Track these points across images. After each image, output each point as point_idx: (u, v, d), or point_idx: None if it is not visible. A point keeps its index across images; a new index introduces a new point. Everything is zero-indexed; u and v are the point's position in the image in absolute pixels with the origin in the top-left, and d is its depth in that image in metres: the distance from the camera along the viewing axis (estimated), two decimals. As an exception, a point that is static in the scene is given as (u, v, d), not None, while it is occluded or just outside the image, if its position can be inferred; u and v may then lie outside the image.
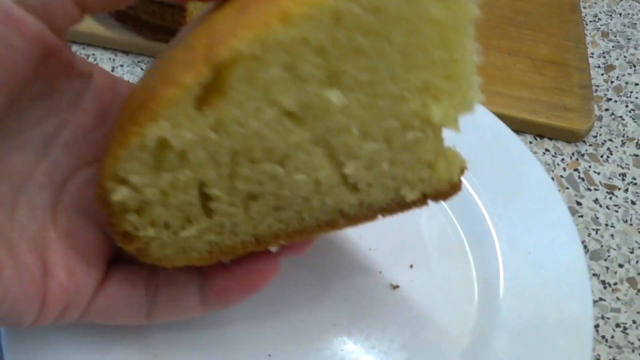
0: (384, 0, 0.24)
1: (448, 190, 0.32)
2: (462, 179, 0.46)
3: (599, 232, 0.50)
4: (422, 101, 0.28)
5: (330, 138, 0.27)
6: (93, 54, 0.58)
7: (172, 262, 0.30)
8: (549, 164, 0.53)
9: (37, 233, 0.29)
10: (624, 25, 0.68)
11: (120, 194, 0.26)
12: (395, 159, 0.29)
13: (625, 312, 0.45)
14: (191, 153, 0.26)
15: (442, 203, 0.46)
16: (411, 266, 0.43)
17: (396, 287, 0.42)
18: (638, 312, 0.45)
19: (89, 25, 0.56)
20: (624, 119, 0.58)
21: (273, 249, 0.33)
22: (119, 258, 0.33)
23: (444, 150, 0.31)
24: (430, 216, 0.46)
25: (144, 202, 0.27)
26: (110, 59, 0.58)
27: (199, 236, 0.29)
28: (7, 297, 0.26)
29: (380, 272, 0.42)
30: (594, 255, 0.48)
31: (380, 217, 0.32)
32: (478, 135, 0.48)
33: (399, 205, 0.31)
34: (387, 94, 0.27)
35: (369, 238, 0.43)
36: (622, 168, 0.54)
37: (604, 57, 0.64)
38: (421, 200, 0.32)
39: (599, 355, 0.43)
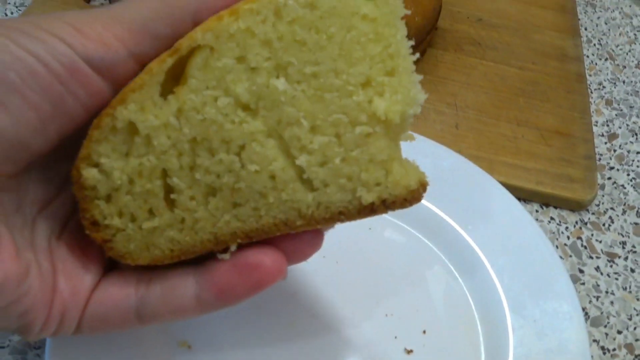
0: None
1: (406, 197, 0.32)
2: (474, 247, 0.51)
3: (599, 299, 0.53)
4: (367, 96, 0.30)
5: (282, 130, 0.30)
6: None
7: (136, 259, 0.32)
8: (553, 232, 0.57)
9: (48, 243, 0.32)
10: (627, 93, 0.72)
11: (91, 174, 0.30)
12: (347, 156, 0.31)
13: (623, 377, 0.48)
14: (155, 139, 0.30)
15: (453, 271, 0.50)
16: (424, 332, 0.46)
17: (410, 351, 0.45)
18: (635, 378, 0.49)
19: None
20: (625, 188, 0.62)
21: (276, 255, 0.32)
22: (119, 266, 0.34)
23: (401, 157, 0.32)
24: (441, 284, 0.49)
25: (113, 189, 0.31)
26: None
27: (161, 231, 0.32)
28: (29, 294, 0.29)
29: (396, 337, 0.46)
30: (594, 322, 0.52)
31: (340, 221, 0.32)
32: (485, 205, 0.52)
33: (358, 209, 0.32)
34: (332, 87, 0.30)
35: (384, 304, 0.47)
36: (623, 236, 0.58)
37: (608, 125, 0.68)
38: (380, 207, 0.32)
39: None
